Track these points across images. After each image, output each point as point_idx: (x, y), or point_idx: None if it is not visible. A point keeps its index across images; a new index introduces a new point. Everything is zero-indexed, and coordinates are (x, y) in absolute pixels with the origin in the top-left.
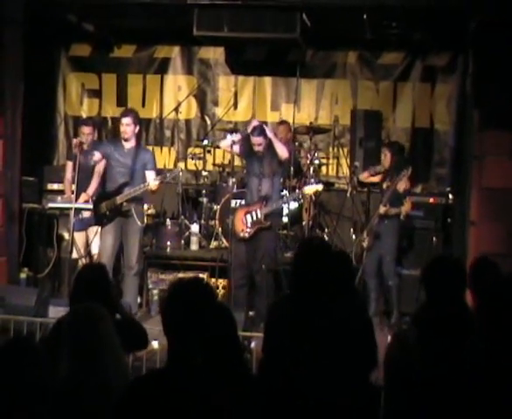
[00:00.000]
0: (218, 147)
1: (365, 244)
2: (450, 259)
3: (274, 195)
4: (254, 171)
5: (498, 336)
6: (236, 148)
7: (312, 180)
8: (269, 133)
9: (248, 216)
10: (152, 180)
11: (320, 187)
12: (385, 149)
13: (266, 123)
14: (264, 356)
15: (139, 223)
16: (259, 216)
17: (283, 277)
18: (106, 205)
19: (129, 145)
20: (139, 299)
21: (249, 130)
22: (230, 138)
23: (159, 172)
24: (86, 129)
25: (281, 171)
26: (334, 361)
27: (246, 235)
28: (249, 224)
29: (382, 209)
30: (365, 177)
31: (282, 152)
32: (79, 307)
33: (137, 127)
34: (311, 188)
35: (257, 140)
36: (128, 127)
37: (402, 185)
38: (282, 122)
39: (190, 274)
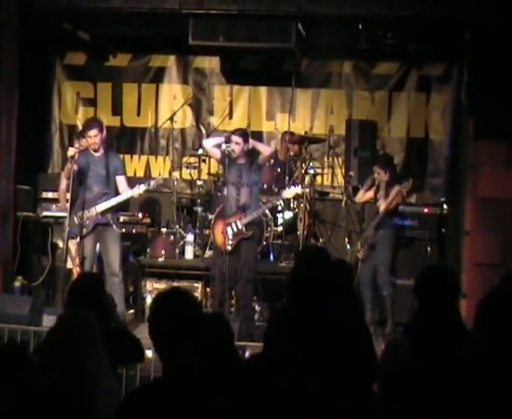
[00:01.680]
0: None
1: (360, 256)
2: (441, 268)
3: (253, 204)
4: (232, 180)
5: (497, 345)
6: (216, 152)
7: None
8: (251, 140)
9: (229, 228)
10: (136, 188)
11: (299, 189)
12: (376, 168)
13: (261, 132)
14: (266, 364)
15: (117, 230)
16: (240, 226)
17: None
18: (84, 214)
19: (99, 153)
20: (133, 309)
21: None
22: (214, 141)
23: (142, 180)
24: (83, 142)
25: (259, 180)
26: (332, 366)
27: (229, 247)
28: (230, 236)
29: (383, 205)
30: (361, 197)
31: (265, 150)
32: (67, 315)
33: (104, 134)
34: (290, 192)
35: (236, 138)
36: (96, 137)
37: (394, 192)
38: (288, 133)
39: (184, 283)
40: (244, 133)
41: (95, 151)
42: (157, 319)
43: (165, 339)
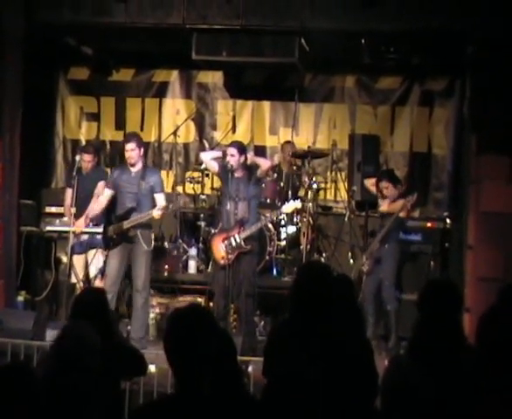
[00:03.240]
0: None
1: (365, 269)
2: (445, 282)
3: (251, 218)
4: (230, 194)
5: (499, 360)
6: (214, 165)
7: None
8: (249, 155)
9: (227, 242)
10: (156, 209)
11: (298, 204)
12: (385, 183)
13: (264, 147)
14: (266, 380)
15: (145, 246)
16: (239, 240)
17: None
18: (113, 229)
19: (136, 168)
20: None
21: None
22: (212, 154)
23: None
24: (86, 157)
25: (258, 194)
26: (335, 384)
27: (227, 261)
28: (229, 251)
29: (385, 206)
30: (387, 207)
31: (264, 163)
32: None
33: (141, 150)
34: (289, 207)
35: (231, 150)
36: (132, 152)
37: (398, 205)
38: (288, 142)
39: (187, 298)
40: (239, 146)
41: (132, 166)
42: (174, 336)
43: (181, 356)
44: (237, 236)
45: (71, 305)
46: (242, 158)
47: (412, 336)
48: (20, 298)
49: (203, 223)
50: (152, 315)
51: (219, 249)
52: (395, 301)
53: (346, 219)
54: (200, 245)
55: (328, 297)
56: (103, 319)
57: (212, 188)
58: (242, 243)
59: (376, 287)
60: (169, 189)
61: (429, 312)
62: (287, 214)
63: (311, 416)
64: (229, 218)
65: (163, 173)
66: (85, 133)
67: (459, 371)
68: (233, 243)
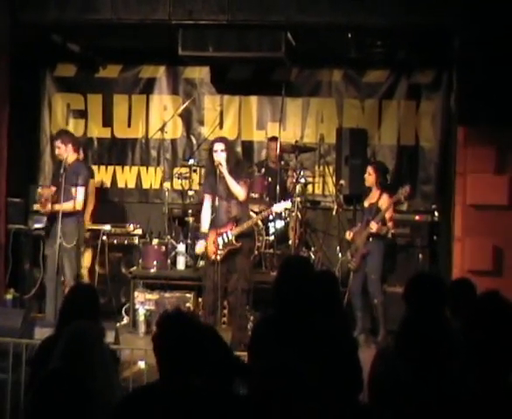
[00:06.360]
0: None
1: (352, 266)
2: (430, 275)
3: (244, 216)
4: (221, 195)
5: (486, 355)
6: (207, 207)
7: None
8: (227, 176)
9: (219, 239)
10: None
11: (288, 204)
12: (370, 168)
13: (251, 142)
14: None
15: (64, 242)
16: (230, 237)
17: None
18: None
19: (68, 162)
20: (126, 320)
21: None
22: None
23: None
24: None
25: (244, 177)
26: (319, 379)
27: (218, 257)
28: (220, 247)
29: (374, 227)
30: (348, 235)
31: (238, 194)
32: (75, 327)
33: (69, 145)
34: (280, 207)
35: (219, 145)
36: (58, 149)
37: (385, 203)
38: (273, 138)
39: (176, 294)
40: (227, 140)
41: (64, 161)
42: (163, 343)
43: (171, 361)
44: (229, 232)
45: (61, 303)
46: (230, 154)
47: (399, 329)
48: (9, 296)
49: (191, 219)
50: (141, 311)
51: (212, 244)
52: (382, 295)
53: (334, 213)
54: (188, 241)
55: (309, 292)
56: (94, 315)
57: (200, 184)
58: (233, 240)
59: (363, 282)
60: (156, 186)
61: (414, 305)
62: (276, 213)
63: (293, 412)
64: (219, 215)
65: (151, 169)
66: (72, 130)
67: (445, 364)
68: (225, 240)
